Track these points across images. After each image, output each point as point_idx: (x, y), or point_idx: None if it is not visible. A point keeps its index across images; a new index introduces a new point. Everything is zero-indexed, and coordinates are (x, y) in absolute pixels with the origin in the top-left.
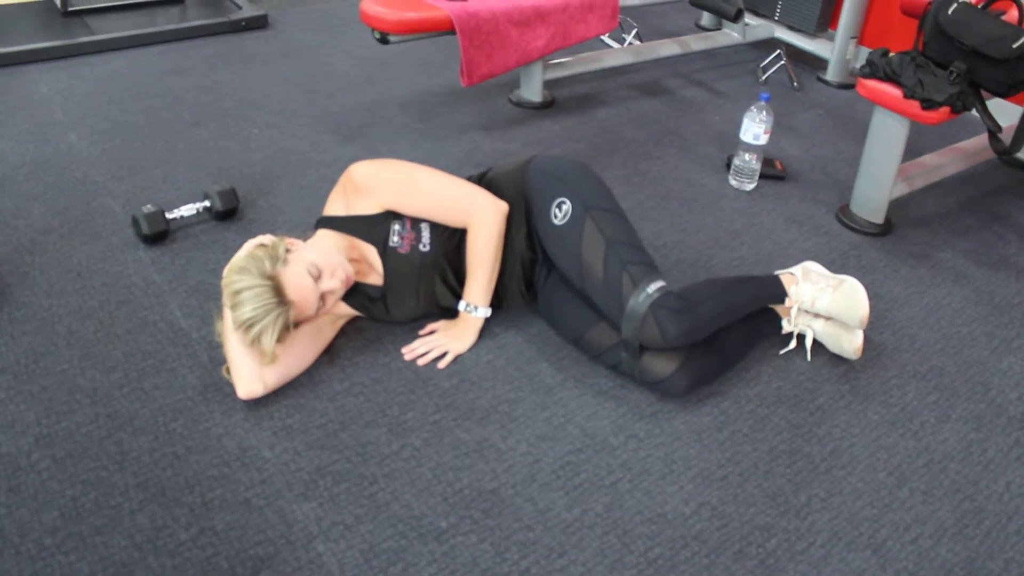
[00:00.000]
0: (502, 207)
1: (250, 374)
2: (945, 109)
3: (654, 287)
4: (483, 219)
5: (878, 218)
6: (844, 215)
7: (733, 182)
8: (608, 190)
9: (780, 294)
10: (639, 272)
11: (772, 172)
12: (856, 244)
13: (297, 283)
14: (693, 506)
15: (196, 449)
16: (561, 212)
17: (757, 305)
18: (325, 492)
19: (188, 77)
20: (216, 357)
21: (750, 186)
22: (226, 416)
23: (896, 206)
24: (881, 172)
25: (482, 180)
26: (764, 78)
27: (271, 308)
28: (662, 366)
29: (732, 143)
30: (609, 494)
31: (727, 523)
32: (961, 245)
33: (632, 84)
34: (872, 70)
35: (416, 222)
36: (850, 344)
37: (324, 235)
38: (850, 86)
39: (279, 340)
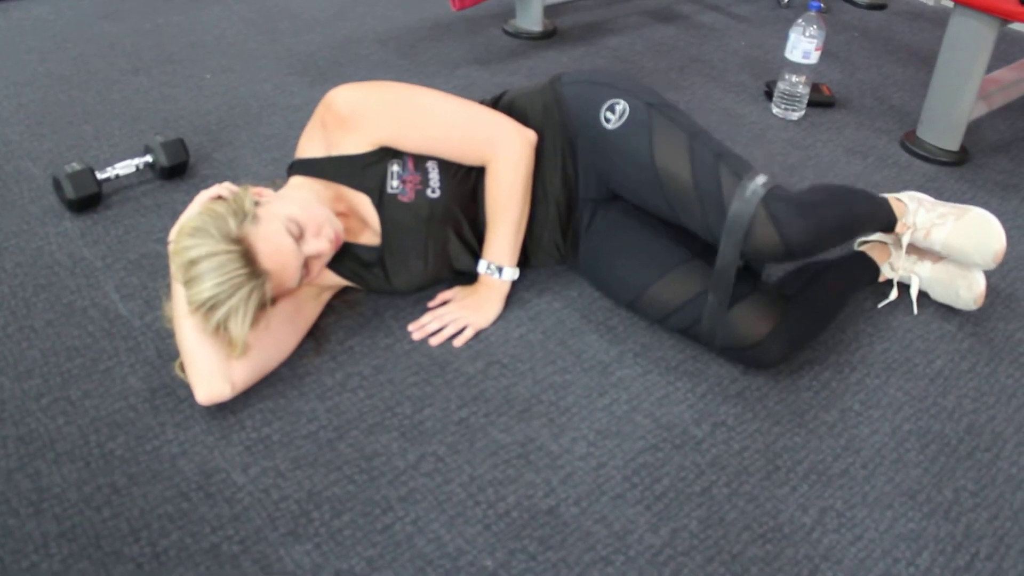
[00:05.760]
0: (529, 136)
1: (212, 371)
2: None
3: (761, 179)
4: (507, 153)
5: (953, 144)
6: (911, 143)
7: (777, 110)
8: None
9: (891, 218)
10: (739, 163)
11: (820, 98)
12: (931, 175)
13: (274, 246)
14: (814, 513)
15: (142, 478)
16: (615, 114)
17: (871, 224)
18: (323, 528)
19: (125, 21)
20: (167, 350)
21: (796, 115)
22: (182, 429)
23: (967, 131)
24: (960, 89)
25: (496, 105)
26: (787, 0)
27: (240, 282)
28: (755, 325)
29: (766, 70)
30: (703, 505)
31: (861, 534)
32: None
33: (641, 10)
34: None
35: (420, 161)
36: (969, 291)
37: (300, 183)
38: (881, 7)
39: (252, 324)
